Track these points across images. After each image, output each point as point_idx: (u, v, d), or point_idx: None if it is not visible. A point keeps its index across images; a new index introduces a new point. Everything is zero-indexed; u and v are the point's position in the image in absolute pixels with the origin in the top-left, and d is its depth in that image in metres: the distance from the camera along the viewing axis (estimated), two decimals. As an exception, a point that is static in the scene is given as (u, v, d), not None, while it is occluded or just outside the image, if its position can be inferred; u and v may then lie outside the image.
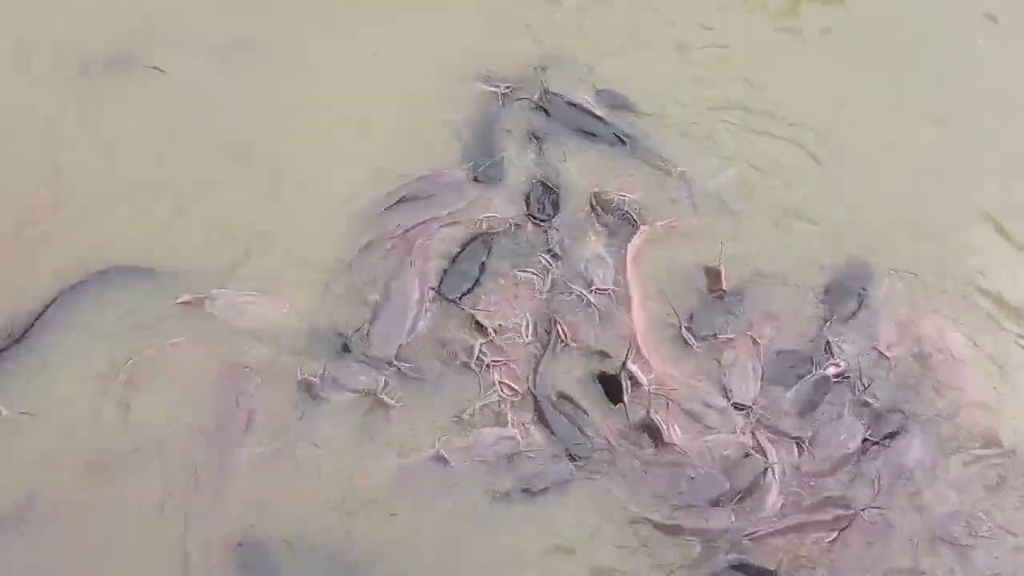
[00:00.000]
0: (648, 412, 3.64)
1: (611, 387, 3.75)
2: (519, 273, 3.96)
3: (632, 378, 3.73)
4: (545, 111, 4.38)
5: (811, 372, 3.80)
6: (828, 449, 3.68)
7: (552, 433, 3.64)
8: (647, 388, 3.70)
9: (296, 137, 4.24)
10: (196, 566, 3.36)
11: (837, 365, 3.81)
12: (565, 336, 3.82)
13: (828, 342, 3.86)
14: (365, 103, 4.36)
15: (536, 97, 4.41)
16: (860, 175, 4.33)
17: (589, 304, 3.92)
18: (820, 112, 4.48)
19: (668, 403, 3.70)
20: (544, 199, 4.15)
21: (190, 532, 3.40)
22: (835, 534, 3.53)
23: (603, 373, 3.77)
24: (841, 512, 3.56)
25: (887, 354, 3.87)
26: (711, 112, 4.45)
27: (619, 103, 4.43)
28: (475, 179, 4.18)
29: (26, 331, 3.64)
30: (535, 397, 3.71)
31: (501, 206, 4.13)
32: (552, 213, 4.12)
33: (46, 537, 3.37)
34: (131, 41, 4.39)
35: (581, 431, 3.65)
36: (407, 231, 4.03)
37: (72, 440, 3.52)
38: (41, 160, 4.10)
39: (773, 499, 3.57)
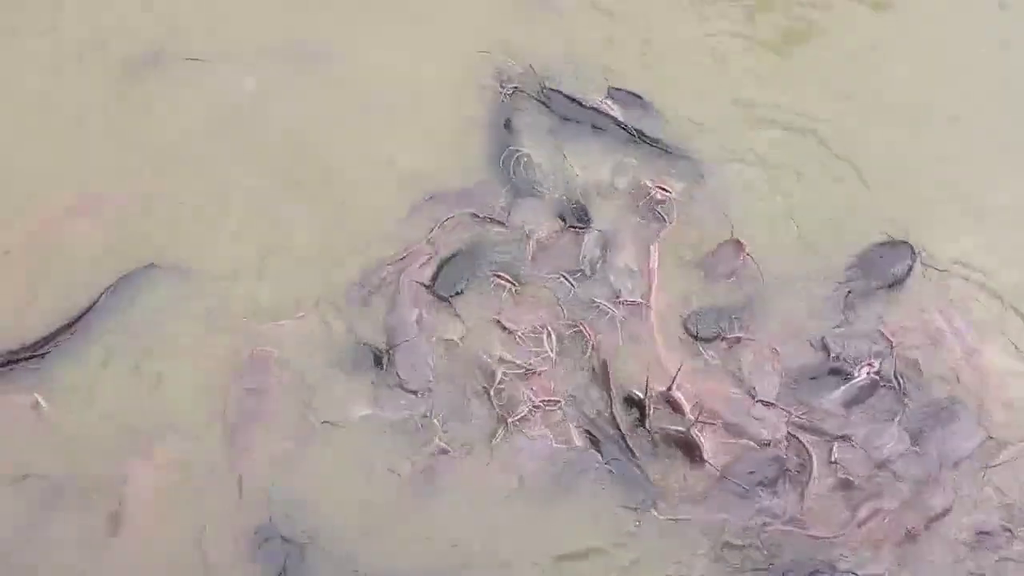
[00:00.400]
0: (688, 430, 3.61)
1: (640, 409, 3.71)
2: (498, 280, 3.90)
3: (675, 403, 3.68)
4: (547, 106, 4.32)
5: (847, 375, 3.79)
6: (869, 450, 3.67)
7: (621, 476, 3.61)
8: (689, 415, 3.66)
9: (321, 139, 4.23)
10: (214, 551, 3.43)
11: (871, 365, 3.79)
12: (591, 339, 3.78)
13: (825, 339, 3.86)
14: (391, 104, 4.32)
15: (536, 93, 4.35)
16: (874, 169, 4.26)
17: (613, 316, 3.86)
18: (832, 104, 4.41)
19: (710, 424, 3.67)
20: (577, 208, 4.10)
21: (209, 519, 3.48)
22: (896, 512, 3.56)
23: (630, 396, 3.72)
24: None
25: (891, 338, 3.85)
26: (723, 106, 4.39)
27: (631, 101, 4.36)
28: (509, 194, 4.11)
29: (71, 325, 3.72)
30: (593, 438, 3.66)
31: (534, 220, 4.07)
32: (589, 219, 4.07)
33: (76, 522, 3.46)
34: (165, 42, 4.39)
35: (646, 477, 3.61)
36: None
37: (105, 431, 3.60)
38: (73, 160, 4.13)
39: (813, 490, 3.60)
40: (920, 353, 3.84)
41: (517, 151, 4.20)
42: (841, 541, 3.52)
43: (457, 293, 3.88)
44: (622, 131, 4.26)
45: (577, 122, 4.30)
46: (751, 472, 3.61)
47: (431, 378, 3.70)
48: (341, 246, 3.97)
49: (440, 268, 3.93)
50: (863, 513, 3.56)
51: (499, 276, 3.91)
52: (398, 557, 3.45)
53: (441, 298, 3.87)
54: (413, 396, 3.67)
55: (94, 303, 3.76)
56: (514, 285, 3.90)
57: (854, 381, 3.77)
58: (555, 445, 3.63)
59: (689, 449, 3.62)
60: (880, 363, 3.79)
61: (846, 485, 3.61)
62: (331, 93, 4.31)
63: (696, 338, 3.84)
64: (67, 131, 4.18)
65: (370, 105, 4.29)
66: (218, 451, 3.57)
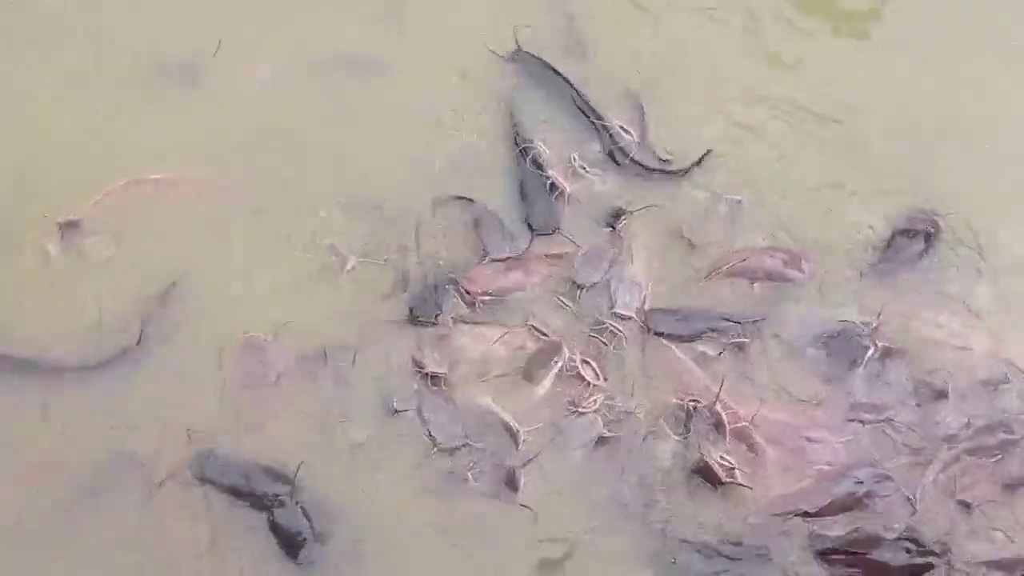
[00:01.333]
0: (702, 455, 3.44)
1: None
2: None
3: (718, 418, 3.52)
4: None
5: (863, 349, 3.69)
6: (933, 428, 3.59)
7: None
8: (728, 433, 3.50)
9: (351, 142, 4.20)
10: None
11: (875, 345, 3.69)
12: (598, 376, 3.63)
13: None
14: (417, 106, 4.29)
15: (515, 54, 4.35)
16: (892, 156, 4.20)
17: (614, 332, 3.69)
18: (840, 92, 4.36)
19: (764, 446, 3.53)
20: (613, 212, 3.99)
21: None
22: (999, 456, 3.49)
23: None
24: (1007, 436, 3.52)
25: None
26: (722, 104, 4.32)
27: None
28: (529, 226, 3.96)
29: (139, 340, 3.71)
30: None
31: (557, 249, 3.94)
32: (624, 212, 3.95)
33: (109, 507, 3.44)
34: (199, 50, 4.37)
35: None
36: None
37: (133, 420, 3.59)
38: (102, 164, 4.09)
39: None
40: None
41: (531, 146, 4.11)
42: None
43: (437, 315, 3.74)
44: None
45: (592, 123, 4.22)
46: (859, 483, 3.47)
47: (463, 433, 3.54)
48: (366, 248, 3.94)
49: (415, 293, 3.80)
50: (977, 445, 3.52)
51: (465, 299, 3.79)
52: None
53: (422, 323, 3.72)
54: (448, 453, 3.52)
55: (149, 310, 3.75)
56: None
57: (867, 355, 3.67)
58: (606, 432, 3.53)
59: (708, 476, 3.45)
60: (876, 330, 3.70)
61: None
62: (357, 96, 4.31)
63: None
64: (92, 137, 4.16)
65: (408, 108, 4.29)
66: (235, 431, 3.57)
